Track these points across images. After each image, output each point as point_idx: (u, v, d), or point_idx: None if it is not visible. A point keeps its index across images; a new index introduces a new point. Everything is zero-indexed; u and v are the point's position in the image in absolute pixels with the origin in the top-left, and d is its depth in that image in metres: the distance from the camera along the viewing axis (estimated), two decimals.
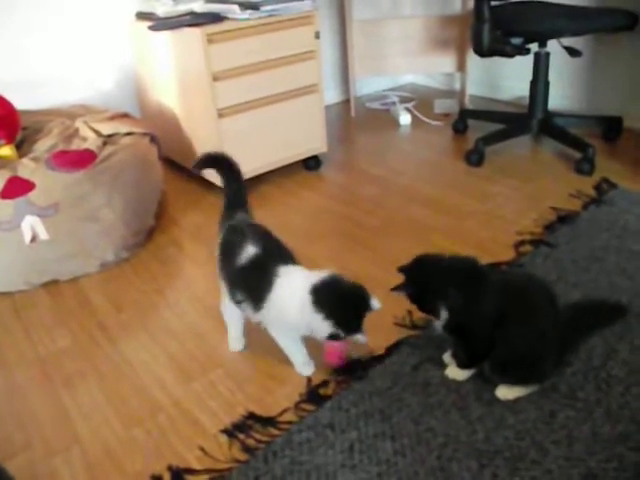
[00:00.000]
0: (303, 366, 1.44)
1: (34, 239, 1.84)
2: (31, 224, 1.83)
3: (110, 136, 2.12)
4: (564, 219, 2.01)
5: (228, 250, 1.41)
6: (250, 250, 1.35)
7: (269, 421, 1.31)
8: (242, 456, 1.23)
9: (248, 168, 2.39)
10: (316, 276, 1.31)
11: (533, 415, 1.26)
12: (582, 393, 1.31)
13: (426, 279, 1.30)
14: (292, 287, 1.30)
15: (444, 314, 1.28)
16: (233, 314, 1.50)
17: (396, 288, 1.34)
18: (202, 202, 2.42)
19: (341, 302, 1.28)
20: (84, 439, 1.32)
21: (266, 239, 1.40)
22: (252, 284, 1.35)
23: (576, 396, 1.30)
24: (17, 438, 1.34)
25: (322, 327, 1.27)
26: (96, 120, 2.23)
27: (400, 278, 1.35)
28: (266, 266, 1.33)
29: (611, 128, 2.62)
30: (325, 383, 1.41)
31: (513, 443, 1.20)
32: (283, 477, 1.17)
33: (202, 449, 1.26)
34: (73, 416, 1.39)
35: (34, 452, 1.30)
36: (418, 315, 1.59)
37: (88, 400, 1.44)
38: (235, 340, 1.55)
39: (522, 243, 1.90)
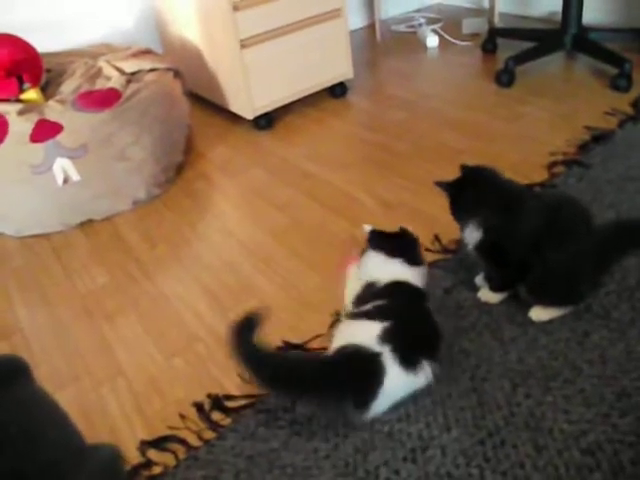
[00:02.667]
0: None
1: (66, 181, 1.86)
2: (62, 166, 1.85)
3: (134, 73, 2.10)
4: (599, 138, 1.95)
5: None
6: None
7: (303, 348, 1.34)
8: None
9: (273, 98, 2.36)
10: None
11: (566, 335, 1.27)
12: (616, 313, 1.30)
13: (467, 190, 1.29)
14: None
15: (476, 233, 1.27)
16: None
17: (440, 183, 1.32)
18: (229, 135, 2.41)
19: None
20: (127, 369, 1.38)
21: None
22: None
23: (610, 316, 1.29)
24: (65, 371, 1.40)
25: None
26: (118, 58, 2.21)
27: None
28: None
29: None
30: None
31: (546, 363, 1.21)
32: None
33: (240, 376, 1.30)
34: (115, 348, 1.45)
35: (82, 383, 1.36)
36: (448, 239, 1.59)
37: (129, 333, 1.49)
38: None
39: (555, 164, 1.86)
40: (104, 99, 1.92)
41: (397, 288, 1.23)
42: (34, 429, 0.46)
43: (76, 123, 1.86)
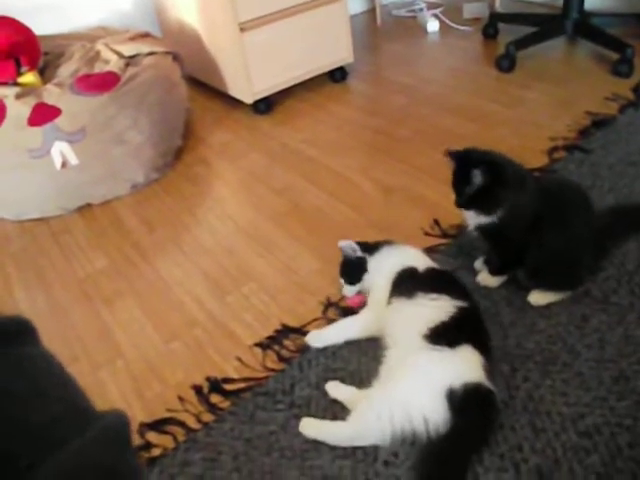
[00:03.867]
0: None
1: (65, 165, 1.86)
2: (61, 150, 1.84)
3: (132, 57, 2.08)
4: (599, 123, 1.94)
5: None
6: None
7: (302, 331, 1.34)
8: (278, 365, 1.27)
9: (273, 83, 2.35)
10: None
11: (565, 320, 1.27)
12: (615, 297, 1.30)
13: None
14: None
15: (483, 215, 1.26)
16: None
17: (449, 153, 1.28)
18: (228, 119, 2.40)
19: None
20: (126, 352, 1.38)
21: None
22: None
23: (609, 300, 1.30)
24: (64, 353, 1.39)
25: None
26: (117, 41, 2.19)
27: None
28: None
29: None
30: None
31: (545, 347, 1.21)
32: (318, 384, 1.21)
33: (239, 359, 1.30)
34: (114, 332, 1.45)
35: (81, 365, 1.36)
36: (447, 223, 1.59)
37: (127, 316, 1.49)
38: None
39: (555, 149, 1.85)
40: (102, 82, 1.90)
41: (440, 276, 1.29)
42: (42, 385, 0.46)
43: (74, 107, 1.85)
